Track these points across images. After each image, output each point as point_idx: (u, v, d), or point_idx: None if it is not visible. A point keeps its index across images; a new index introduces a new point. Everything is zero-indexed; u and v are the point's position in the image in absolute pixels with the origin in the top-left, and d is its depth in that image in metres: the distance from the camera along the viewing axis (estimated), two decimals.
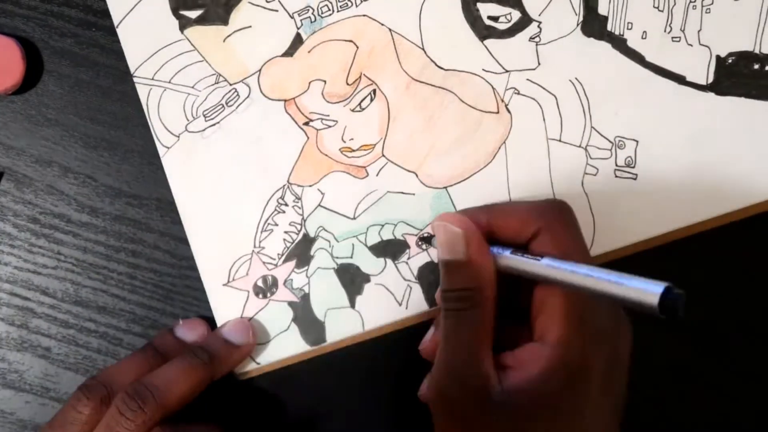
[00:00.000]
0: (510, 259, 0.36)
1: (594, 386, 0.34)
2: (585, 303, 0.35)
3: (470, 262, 0.36)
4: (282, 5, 0.42)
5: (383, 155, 0.42)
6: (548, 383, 0.34)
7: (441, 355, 0.36)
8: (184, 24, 0.42)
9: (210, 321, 0.43)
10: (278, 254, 0.43)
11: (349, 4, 0.42)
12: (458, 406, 0.35)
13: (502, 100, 0.42)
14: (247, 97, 0.43)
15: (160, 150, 0.43)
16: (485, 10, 0.42)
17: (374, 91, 0.42)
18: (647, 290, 0.27)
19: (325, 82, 0.42)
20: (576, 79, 0.42)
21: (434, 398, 0.36)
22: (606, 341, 0.35)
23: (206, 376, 0.40)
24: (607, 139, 0.42)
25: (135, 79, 0.43)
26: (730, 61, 0.41)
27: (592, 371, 0.34)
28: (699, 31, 0.41)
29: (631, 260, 0.42)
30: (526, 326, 0.37)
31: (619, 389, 0.36)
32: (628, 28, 0.42)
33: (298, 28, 0.42)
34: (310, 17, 0.42)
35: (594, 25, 0.42)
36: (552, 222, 0.36)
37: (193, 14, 0.42)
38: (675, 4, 0.41)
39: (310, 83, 0.42)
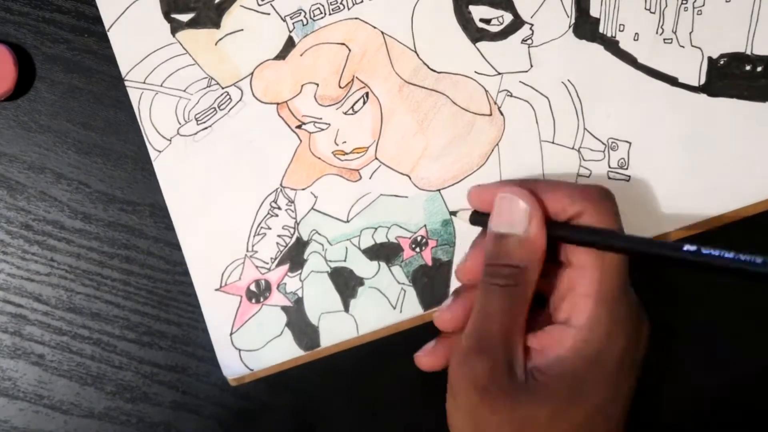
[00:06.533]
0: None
1: (613, 371, 0.35)
2: (615, 292, 0.35)
3: (527, 241, 0.36)
4: (274, 8, 0.42)
5: (376, 158, 0.42)
6: (573, 364, 0.35)
7: (474, 325, 0.36)
8: (176, 27, 0.42)
9: (202, 327, 0.43)
10: (271, 258, 0.43)
11: (341, 7, 0.42)
12: (482, 378, 0.35)
13: (495, 103, 0.42)
14: (239, 100, 0.42)
15: (152, 154, 0.43)
16: (477, 12, 0.42)
17: (367, 93, 0.42)
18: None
19: (317, 85, 0.42)
20: (568, 81, 0.42)
21: (458, 366, 0.36)
22: (628, 331, 0.36)
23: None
24: (600, 140, 0.42)
25: (126, 83, 0.43)
26: (722, 62, 0.42)
27: (612, 357, 0.35)
28: (691, 33, 0.41)
29: None
30: (542, 310, 0.38)
31: (633, 381, 0.36)
32: (620, 30, 0.42)
33: (290, 32, 0.42)
34: (302, 20, 0.42)
35: (586, 27, 0.42)
36: (598, 207, 0.36)
37: (184, 18, 0.42)
38: (666, 5, 0.41)
39: (302, 86, 0.42)
